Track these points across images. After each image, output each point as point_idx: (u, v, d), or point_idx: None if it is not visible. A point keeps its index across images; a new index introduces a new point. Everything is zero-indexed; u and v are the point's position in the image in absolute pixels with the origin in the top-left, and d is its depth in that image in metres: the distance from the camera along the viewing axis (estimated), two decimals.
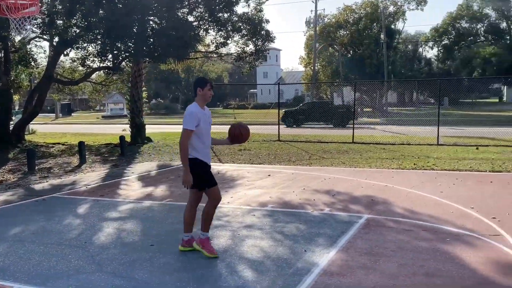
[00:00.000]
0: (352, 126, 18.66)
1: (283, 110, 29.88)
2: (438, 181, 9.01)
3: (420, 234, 5.49)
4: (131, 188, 9.00)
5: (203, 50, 19.06)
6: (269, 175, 9.94)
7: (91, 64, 16.91)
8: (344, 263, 4.61)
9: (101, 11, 14.30)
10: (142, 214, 6.81)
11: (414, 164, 11.33)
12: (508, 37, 37.09)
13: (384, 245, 5.12)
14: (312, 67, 49.64)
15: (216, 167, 11.62)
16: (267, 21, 16.18)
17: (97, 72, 20.16)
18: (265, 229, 5.83)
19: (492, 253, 4.79)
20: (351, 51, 49.60)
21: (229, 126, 5.24)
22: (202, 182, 4.85)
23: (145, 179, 10.00)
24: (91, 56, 16.02)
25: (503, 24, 37.53)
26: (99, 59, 15.89)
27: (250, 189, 8.50)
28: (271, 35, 16.46)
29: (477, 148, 14.55)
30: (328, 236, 5.47)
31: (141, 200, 7.76)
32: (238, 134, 5.10)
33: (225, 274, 4.39)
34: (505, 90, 70.56)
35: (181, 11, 15.51)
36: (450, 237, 5.34)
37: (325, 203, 7.20)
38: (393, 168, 10.73)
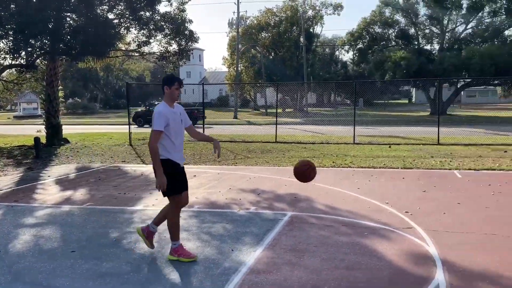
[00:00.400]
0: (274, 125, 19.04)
1: (134, 112, 30.88)
2: (355, 178, 9.49)
3: (340, 229, 5.77)
4: (48, 192, 8.54)
5: (124, 48, 18.51)
6: (195, 176, 9.89)
7: (2, 62, 15.79)
8: (270, 260, 4.73)
9: (12, 6, 13.40)
10: (61, 219, 6.50)
11: (333, 162, 11.83)
12: (416, 43, 39.71)
13: (307, 241, 5.32)
14: (235, 68, 50.01)
15: (139, 168, 11.39)
16: (191, 21, 16.09)
17: (9, 70, 18.84)
18: (192, 230, 5.82)
19: (406, 245, 5.14)
20: (272, 53, 50.62)
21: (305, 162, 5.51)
22: (171, 186, 4.62)
23: (63, 183, 9.53)
24: (1, 52, 14.96)
25: (412, 30, 40.14)
26: (11, 56, 14.87)
27: None
28: (194, 35, 16.37)
29: (389, 147, 15.48)
30: (254, 235, 5.58)
31: (60, 205, 7.39)
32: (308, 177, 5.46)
33: (152, 278, 4.32)
34: (413, 92, 75.73)
35: (100, 8, 14.95)
36: (367, 231, 5.66)
37: (251, 202, 7.32)
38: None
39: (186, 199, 4.91)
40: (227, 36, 51.73)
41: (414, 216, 6.30)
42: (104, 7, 14.97)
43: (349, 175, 9.83)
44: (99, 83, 75.60)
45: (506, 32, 36.65)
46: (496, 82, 37.35)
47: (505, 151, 13.55)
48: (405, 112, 45.66)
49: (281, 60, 46.67)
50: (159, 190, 4.66)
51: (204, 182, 9.20)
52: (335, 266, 4.51)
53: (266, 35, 49.51)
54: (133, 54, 18.97)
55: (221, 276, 4.30)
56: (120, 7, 14.88)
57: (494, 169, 10.31)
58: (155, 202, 7.44)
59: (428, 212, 6.52)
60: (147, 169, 11.12)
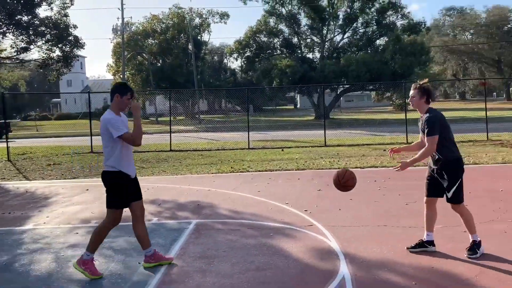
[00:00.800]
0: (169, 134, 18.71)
1: None
2: (254, 181, 9.70)
3: (246, 232, 5.86)
4: None
5: None
6: (87, 190, 9.36)
7: None
8: (180, 270, 4.65)
9: None
10: None
11: (231, 167, 11.98)
12: (299, 51, 41.85)
13: (215, 247, 5.32)
14: (120, 75, 48.30)
15: (22, 185, 10.48)
16: (75, 26, 15.21)
17: None
18: None
19: (309, 242, 5.38)
20: (160, 60, 49.81)
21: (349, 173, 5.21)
22: (113, 199, 4.45)
23: None
24: None
25: (295, 39, 42.22)
26: None
27: (67, 206, 7.88)
28: (80, 41, 15.48)
29: (282, 150, 16.08)
30: (160, 246, 5.43)
31: None
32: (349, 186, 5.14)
33: None
34: (298, 98, 79.65)
35: None
36: (272, 232, 5.82)
37: (152, 213, 7.12)
38: (213, 173, 11.15)
39: (139, 209, 4.73)
40: (111, 42, 49.74)
41: (313, 214, 6.62)
42: None
43: (248, 179, 10.02)
44: None
45: (378, 42, 40.15)
46: (371, 87, 40.71)
47: (384, 150, 14.81)
48: (292, 117, 47.84)
49: (170, 67, 46.08)
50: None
51: (99, 196, 8.72)
52: (245, 269, 4.57)
53: (153, 41, 48.59)
54: (7, 61, 17.41)
55: None
56: None
57: (377, 167, 11.22)
58: (46, 220, 6.91)
59: (325, 210, 6.89)
60: (32, 185, 10.29)
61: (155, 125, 40.86)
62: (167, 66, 46.37)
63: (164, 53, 47.61)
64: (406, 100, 41.53)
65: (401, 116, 38.02)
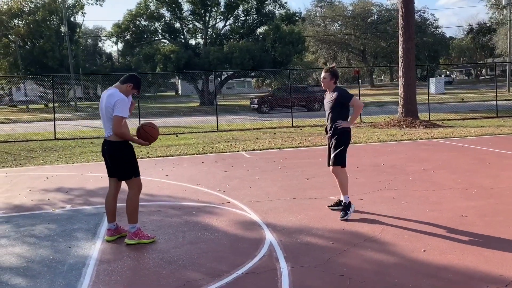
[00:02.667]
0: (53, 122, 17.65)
1: None
2: (159, 166, 9.84)
3: (169, 212, 6.09)
4: None
5: None
6: None
7: None
8: (115, 250, 4.77)
9: None
10: None
11: None
12: (182, 37, 41.58)
13: (143, 227, 5.46)
14: None
15: None
16: None
17: None
18: (11, 236, 5.31)
19: (232, 216, 5.81)
20: (29, 43, 45.79)
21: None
22: (129, 169, 4.79)
23: None
24: None
25: (177, 24, 41.82)
26: None
27: None
28: None
29: (176, 136, 16.22)
30: (85, 230, 5.45)
31: None
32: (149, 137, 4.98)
33: None
34: (179, 84, 79.01)
35: None
36: (194, 210, 6.14)
37: (63, 201, 6.96)
38: None
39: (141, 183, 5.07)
40: None
41: (227, 193, 7.06)
42: None
43: (151, 165, 10.11)
44: None
45: (258, 30, 41.53)
46: (253, 74, 42.08)
47: (275, 133, 15.78)
48: (175, 103, 47.51)
49: (40, 50, 42.57)
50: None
51: None
52: (179, 244, 4.86)
53: (21, 22, 44.45)
54: None
55: (70, 272, 4.18)
56: None
57: (273, 148, 12.01)
58: None
59: (237, 188, 7.37)
60: None
61: (26, 113, 37.74)
62: (37, 49, 42.78)
63: (34, 36, 43.83)
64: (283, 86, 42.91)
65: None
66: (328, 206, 5.93)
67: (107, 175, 5.09)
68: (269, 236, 4.97)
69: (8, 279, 4.10)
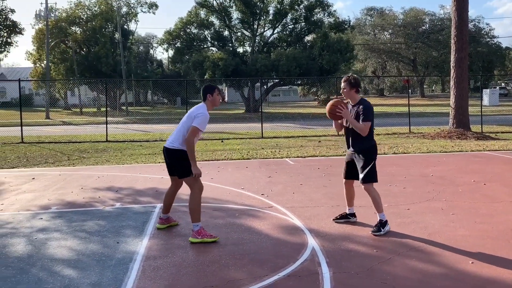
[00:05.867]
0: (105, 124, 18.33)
1: None
2: (204, 170, 9.96)
3: (213, 214, 6.20)
4: None
5: None
6: (34, 178, 9.15)
7: None
8: (161, 246, 4.91)
9: None
10: None
11: None
12: (230, 44, 42.17)
13: (187, 226, 5.61)
14: (42, 64, 45.84)
15: None
16: (13, 11, 14.36)
17: None
18: (63, 230, 5.56)
19: (274, 220, 5.84)
20: (84, 49, 47.86)
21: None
22: (187, 169, 5.06)
23: None
24: None
25: (226, 32, 42.48)
26: None
27: (19, 194, 7.72)
28: (18, 26, 14.65)
29: (222, 141, 16.44)
30: (133, 227, 5.63)
31: None
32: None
33: (45, 277, 4.12)
34: (226, 91, 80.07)
35: None
36: (238, 213, 6.22)
37: (113, 199, 7.21)
38: (159, 162, 11.27)
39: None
40: (33, 28, 46.86)
41: (270, 197, 7.09)
42: None
43: None
44: None
45: (306, 38, 41.51)
46: (299, 82, 42.06)
47: (319, 141, 15.69)
48: (221, 110, 48.15)
49: (95, 56, 44.39)
50: (195, 177, 5.14)
51: (49, 184, 8.61)
52: (223, 244, 4.93)
53: (78, 29, 46.52)
54: None
55: (119, 266, 4.34)
56: None
57: (317, 156, 11.95)
58: (1, 207, 6.77)
59: (280, 193, 7.39)
60: None
61: (79, 116, 39.36)
62: (92, 55, 44.63)
63: (90, 42, 45.79)
64: (331, 96, 43.52)
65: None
66: (333, 219, 5.71)
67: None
68: (312, 241, 4.96)
69: (60, 270, 4.30)
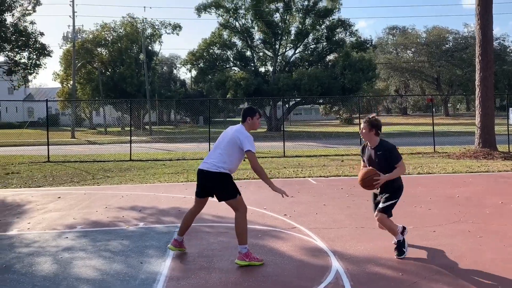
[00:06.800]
0: (129, 144, 18.61)
1: None
2: None
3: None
4: None
5: None
6: (59, 197, 9.32)
7: None
8: (184, 267, 4.92)
9: None
10: None
11: None
12: (252, 64, 42.59)
13: (210, 247, 5.61)
14: (69, 84, 47.00)
15: None
16: (42, 34, 14.89)
17: None
18: (88, 249, 5.62)
19: (297, 242, 5.79)
20: (109, 70, 48.97)
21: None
22: (233, 189, 5.00)
23: None
24: None
25: (248, 53, 42.94)
26: None
27: (45, 212, 7.86)
28: (47, 49, 15.17)
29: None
30: (156, 247, 5.66)
31: None
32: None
33: None
34: None
35: None
36: (260, 234, 6.19)
37: (137, 219, 7.28)
38: (182, 182, 11.35)
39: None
40: (60, 48, 48.31)
41: (293, 218, 7.05)
42: None
43: None
44: None
45: (327, 57, 41.64)
46: (321, 101, 42.06)
47: (342, 161, 15.58)
48: None
49: (120, 77, 45.37)
50: (284, 196, 5.19)
51: (74, 203, 8.75)
52: (245, 266, 4.90)
53: (104, 50, 47.70)
54: None
55: (142, 287, 4.35)
56: None
57: (340, 175, 11.86)
58: (29, 226, 6.90)
59: (303, 214, 7.34)
60: None
61: (104, 135, 40.05)
62: (117, 76, 45.62)
63: (115, 63, 46.85)
64: (353, 114, 43.04)
65: (349, 129, 39.60)
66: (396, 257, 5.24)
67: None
68: (336, 264, 4.90)
69: None
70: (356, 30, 41.59)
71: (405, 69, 63.62)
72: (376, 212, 5.19)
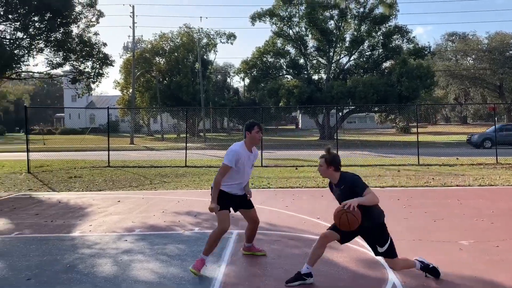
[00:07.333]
0: (184, 150, 19.05)
1: None
2: (279, 197, 10.02)
3: (289, 243, 6.17)
4: None
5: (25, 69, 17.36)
6: (119, 201, 9.68)
7: None
8: (238, 273, 4.96)
9: None
10: None
11: (251, 183, 12.27)
12: (306, 72, 42.49)
13: (267, 254, 5.63)
14: (129, 92, 48.85)
15: (53, 196, 10.77)
16: (105, 44, 15.68)
17: None
18: (146, 252, 5.80)
19: (352, 253, 5.70)
20: (166, 78, 50.47)
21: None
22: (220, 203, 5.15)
23: None
24: None
25: (301, 60, 42.89)
26: None
27: (106, 216, 8.19)
28: (109, 59, 15.96)
29: (296, 168, 16.42)
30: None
31: None
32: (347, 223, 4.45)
33: None
34: (300, 118, 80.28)
35: (2, 25, 13.90)
36: (314, 243, 6.13)
37: (192, 223, 7.43)
38: None
39: (226, 222, 5.21)
40: (121, 57, 50.42)
41: None
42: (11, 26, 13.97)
43: (272, 195, 10.34)
44: None
45: (384, 65, 40.83)
46: (376, 109, 41.24)
47: (399, 171, 15.18)
48: (295, 137, 48.29)
49: (176, 85, 46.69)
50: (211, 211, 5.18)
51: (133, 207, 9.06)
52: None
53: (161, 60, 49.29)
54: (36, 75, 17.81)
55: None
56: (31, 28, 13.99)
57: (396, 186, 11.55)
58: (90, 228, 7.21)
59: None
60: (63, 197, 10.58)
61: (161, 142, 41.24)
62: (173, 84, 46.96)
63: (172, 72, 48.25)
64: (410, 123, 41.73)
65: (406, 138, 38.50)
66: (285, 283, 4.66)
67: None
68: (392, 277, 4.78)
69: None
70: (414, 37, 40.46)
71: (465, 77, 61.15)
72: (385, 260, 4.67)
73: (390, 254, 4.57)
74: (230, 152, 5.10)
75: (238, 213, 8.04)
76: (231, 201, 5.33)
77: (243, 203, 5.49)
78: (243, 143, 5.24)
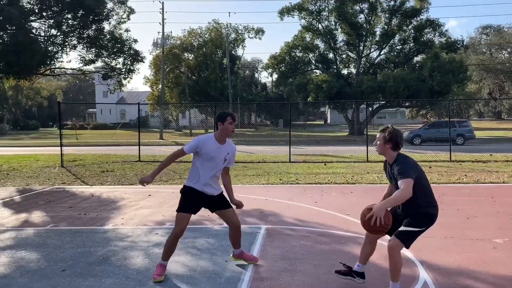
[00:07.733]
0: None
1: None
2: (308, 193, 9.99)
3: (318, 239, 6.15)
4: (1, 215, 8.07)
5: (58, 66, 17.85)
6: (150, 195, 9.84)
7: None
8: (267, 268, 4.98)
9: None
10: (31, 241, 6.23)
11: (280, 179, 12.29)
12: (335, 66, 42.08)
13: (293, 250, 5.63)
14: (157, 88, 49.52)
15: (86, 189, 11.03)
16: (136, 41, 15.94)
17: None
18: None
19: (382, 250, 5.60)
20: (195, 74, 50.90)
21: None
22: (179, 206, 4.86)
23: (11, 205, 9.01)
24: None
25: (331, 55, 42.51)
26: None
27: (137, 209, 8.34)
28: (140, 55, 16.22)
29: (325, 164, 16.31)
30: None
31: (21, 227, 7.05)
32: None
33: None
34: (328, 113, 79.65)
35: (37, 22, 14.33)
36: (343, 240, 6.10)
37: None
38: (263, 184, 11.49)
39: (182, 225, 4.89)
40: (150, 54, 51.14)
41: None
42: (41, 22, 14.41)
43: (300, 191, 10.31)
44: (7, 102, 70.93)
45: (415, 59, 40.06)
46: (407, 104, 40.53)
47: (430, 167, 14.90)
48: (324, 132, 47.95)
49: (205, 81, 47.04)
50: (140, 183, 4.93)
51: (163, 200, 9.19)
52: (328, 271, 4.87)
53: (190, 55, 49.72)
54: (68, 71, 18.30)
55: (227, 284, 4.48)
56: (64, 25, 14.38)
57: None
58: (122, 221, 7.36)
59: None
60: (95, 190, 10.83)
61: (189, 137, 41.65)
62: (202, 80, 47.31)
63: (201, 68, 48.61)
64: (442, 118, 40.75)
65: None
66: (335, 271, 4.60)
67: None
68: (423, 274, 4.71)
69: (174, 285, 4.55)
70: (446, 30, 39.47)
71: (500, 71, 59.44)
72: (392, 237, 4.22)
73: (405, 238, 4.11)
74: (194, 139, 4.74)
75: (268, 207, 8.13)
76: (199, 201, 4.87)
77: (218, 203, 5.07)
78: (212, 135, 4.79)
